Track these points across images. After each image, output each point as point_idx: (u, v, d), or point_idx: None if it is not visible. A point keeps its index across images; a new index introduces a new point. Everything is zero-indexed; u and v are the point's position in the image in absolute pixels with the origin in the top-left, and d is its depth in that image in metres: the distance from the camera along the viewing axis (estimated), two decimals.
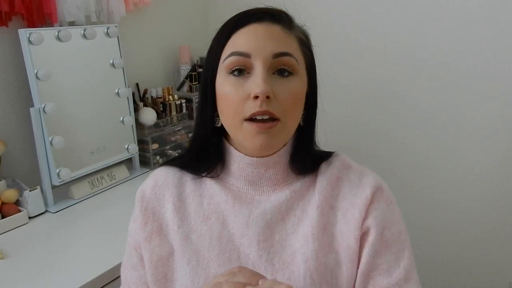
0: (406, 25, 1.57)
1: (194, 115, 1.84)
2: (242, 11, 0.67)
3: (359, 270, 0.64)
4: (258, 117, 0.61)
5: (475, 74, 1.47)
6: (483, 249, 1.60)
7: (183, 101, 1.81)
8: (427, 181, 1.66)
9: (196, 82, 1.86)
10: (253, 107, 0.61)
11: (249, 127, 0.62)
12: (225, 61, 0.63)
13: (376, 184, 0.68)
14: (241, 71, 0.62)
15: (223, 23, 0.67)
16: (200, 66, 1.89)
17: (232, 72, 0.63)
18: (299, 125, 0.68)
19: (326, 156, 0.73)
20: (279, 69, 0.63)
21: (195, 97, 1.85)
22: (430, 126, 1.61)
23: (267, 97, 0.60)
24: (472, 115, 1.52)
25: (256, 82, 0.60)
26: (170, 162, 0.75)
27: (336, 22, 1.71)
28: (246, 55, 0.62)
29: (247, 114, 0.61)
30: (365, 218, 0.65)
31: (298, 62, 0.64)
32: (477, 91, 1.48)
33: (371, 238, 0.64)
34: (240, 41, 0.63)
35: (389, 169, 1.69)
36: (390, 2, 1.59)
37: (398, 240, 0.66)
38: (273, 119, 0.62)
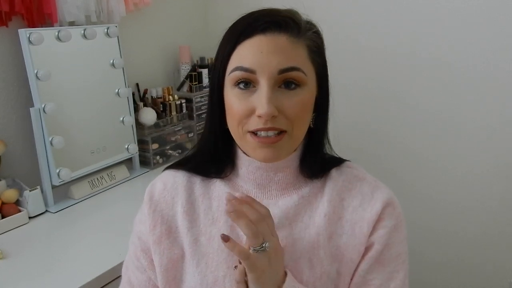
0: (406, 25, 1.57)
1: (194, 114, 1.85)
2: (248, 13, 0.64)
3: (352, 282, 0.65)
4: (263, 134, 0.60)
5: (475, 74, 1.47)
6: (483, 249, 1.60)
7: (183, 101, 1.81)
8: (427, 181, 1.66)
9: (196, 82, 1.86)
10: (257, 123, 0.60)
11: (252, 140, 0.61)
12: (231, 75, 0.62)
13: (388, 199, 0.67)
14: (247, 84, 0.61)
15: (229, 26, 0.65)
16: (200, 66, 1.88)
17: (237, 85, 0.62)
18: (310, 128, 0.67)
19: (336, 162, 0.72)
20: (285, 82, 0.61)
21: (195, 97, 1.85)
22: (430, 126, 1.61)
23: (272, 116, 0.59)
24: (472, 115, 1.52)
25: (261, 101, 0.59)
26: (177, 165, 0.74)
27: (336, 22, 1.71)
28: (251, 71, 0.60)
29: (250, 128, 0.61)
30: (371, 234, 0.65)
31: (306, 73, 0.62)
32: (477, 91, 1.48)
33: (370, 253, 0.65)
34: (244, 54, 0.61)
35: (389, 169, 1.69)
36: (390, 2, 1.58)
37: (395, 260, 0.66)
38: (279, 132, 0.61)
